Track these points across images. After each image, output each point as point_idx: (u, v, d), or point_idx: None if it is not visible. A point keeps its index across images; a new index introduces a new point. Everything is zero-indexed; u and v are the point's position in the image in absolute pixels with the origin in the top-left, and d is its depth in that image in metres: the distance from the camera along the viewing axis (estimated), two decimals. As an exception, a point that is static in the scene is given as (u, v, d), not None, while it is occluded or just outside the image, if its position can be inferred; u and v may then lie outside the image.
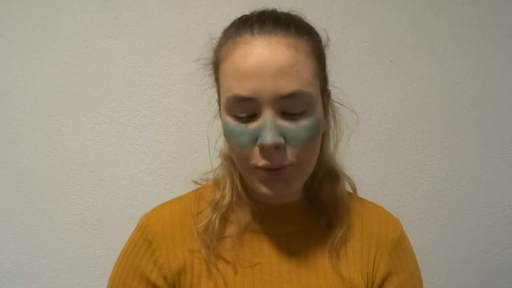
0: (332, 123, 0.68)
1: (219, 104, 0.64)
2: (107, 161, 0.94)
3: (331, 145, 0.69)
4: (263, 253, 0.63)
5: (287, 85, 0.54)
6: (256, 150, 0.56)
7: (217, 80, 0.61)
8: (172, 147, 0.96)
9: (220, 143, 0.70)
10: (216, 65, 0.61)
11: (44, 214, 0.93)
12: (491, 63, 1.06)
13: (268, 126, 0.54)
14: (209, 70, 0.64)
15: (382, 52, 1.02)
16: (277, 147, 0.54)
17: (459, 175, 1.06)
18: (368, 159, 1.02)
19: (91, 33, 0.93)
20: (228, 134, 0.58)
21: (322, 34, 0.63)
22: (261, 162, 0.56)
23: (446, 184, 1.05)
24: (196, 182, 0.72)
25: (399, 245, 0.67)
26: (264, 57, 0.54)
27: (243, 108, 0.55)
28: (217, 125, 0.67)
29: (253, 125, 0.55)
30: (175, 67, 0.96)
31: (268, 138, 0.53)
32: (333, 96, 0.68)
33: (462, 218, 1.06)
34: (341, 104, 0.70)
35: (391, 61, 1.03)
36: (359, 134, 1.00)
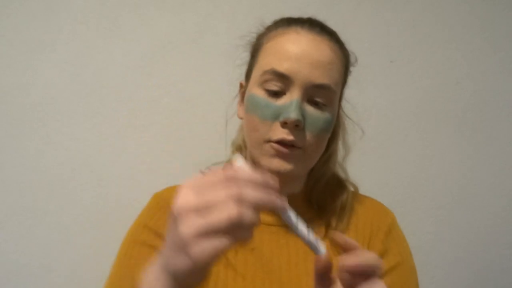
0: (341, 136, 0.73)
1: (245, 82, 0.69)
2: (107, 161, 0.94)
3: (340, 155, 0.74)
4: (264, 242, 0.65)
5: (321, 77, 0.60)
6: (276, 126, 0.60)
7: (254, 59, 0.67)
8: (172, 147, 0.96)
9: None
10: (257, 46, 0.67)
11: (44, 214, 0.92)
12: (491, 63, 1.06)
13: (295, 104, 0.59)
14: (247, 49, 0.70)
15: (382, 52, 1.02)
16: (297, 125, 0.59)
17: (459, 175, 1.06)
18: (368, 159, 1.02)
19: (91, 33, 0.93)
20: (252, 105, 0.62)
21: (352, 55, 0.69)
22: (279, 135, 0.60)
23: (446, 184, 1.05)
24: (203, 173, 0.73)
25: (390, 233, 0.70)
26: (309, 48, 0.61)
27: (276, 83, 0.61)
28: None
29: (280, 101, 0.61)
30: (175, 67, 0.96)
31: (293, 113, 0.58)
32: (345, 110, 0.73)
33: (462, 218, 1.06)
34: (349, 118, 0.75)
35: (391, 61, 1.03)
36: (359, 134, 1.00)
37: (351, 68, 0.70)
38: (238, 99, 0.72)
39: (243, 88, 0.70)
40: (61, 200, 0.93)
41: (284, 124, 0.60)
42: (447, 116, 1.05)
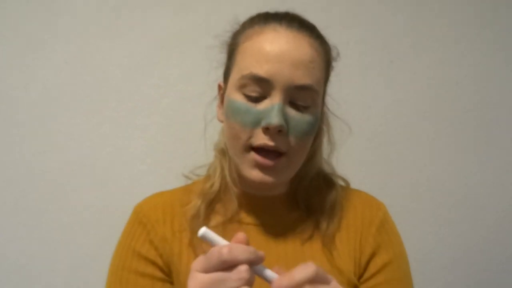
0: (326, 132, 0.71)
1: (224, 84, 0.66)
2: (107, 161, 0.94)
3: (325, 152, 0.72)
4: (250, 243, 0.64)
5: (303, 77, 0.57)
6: (257, 131, 0.58)
7: (231, 59, 0.64)
8: (172, 147, 0.96)
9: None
10: (234, 46, 0.63)
11: (44, 214, 0.92)
12: (491, 63, 1.06)
13: (276, 109, 0.56)
14: (224, 49, 0.67)
15: (382, 52, 1.02)
16: (280, 130, 0.57)
17: (459, 175, 1.06)
18: (368, 159, 1.02)
19: (91, 33, 0.93)
20: (232, 111, 0.60)
21: (334, 49, 0.66)
22: (260, 141, 0.58)
23: (446, 184, 1.05)
24: (187, 177, 0.74)
25: (382, 227, 0.68)
26: (289, 46, 0.57)
27: (255, 88, 0.58)
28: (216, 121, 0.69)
29: (260, 106, 0.58)
30: (175, 67, 0.96)
31: (276, 119, 0.56)
32: (330, 107, 0.71)
33: (462, 218, 1.06)
34: (336, 116, 0.73)
35: (391, 61, 1.03)
36: (359, 134, 1.00)
37: (334, 63, 0.67)
38: (217, 101, 0.69)
39: (222, 90, 0.67)
40: (61, 200, 0.93)
41: (266, 130, 0.57)
42: (447, 116, 1.05)
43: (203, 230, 0.45)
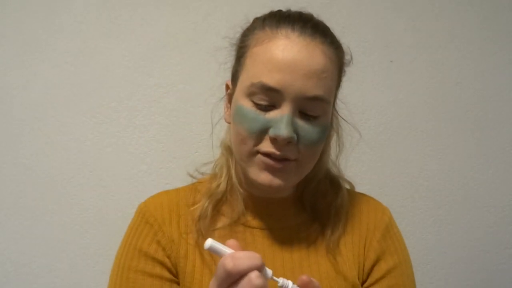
0: (335, 134, 0.70)
1: (232, 86, 0.65)
2: (107, 161, 0.94)
3: (333, 154, 0.71)
4: (256, 246, 0.64)
5: (314, 88, 0.56)
6: (265, 139, 0.57)
7: (240, 62, 0.62)
8: (172, 147, 0.96)
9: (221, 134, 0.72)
10: (244, 48, 0.62)
11: (44, 214, 0.92)
12: (491, 63, 1.06)
13: (286, 120, 0.55)
14: (233, 50, 0.65)
15: (382, 52, 1.02)
16: (289, 142, 0.56)
17: (459, 175, 1.06)
18: (368, 159, 1.02)
19: (91, 33, 0.93)
20: (239, 117, 0.59)
21: (347, 54, 0.65)
22: (267, 148, 0.57)
23: (446, 184, 1.05)
24: (191, 176, 0.73)
25: (387, 232, 0.68)
26: (301, 56, 0.56)
27: (264, 97, 0.57)
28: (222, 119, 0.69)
29: (269, 115, 0.57)
30: (175, 67, 0.96)
31: (285, 131, 0.55)
32: (339, 111, 0.71)
33: (462, 218, 1.06)
34: (345, 121, 0.72)
35: (391, 61, 1.03)
36: (357, 137, 1.00)
37: (346, 68, 0.66)
38: (224, 101, 0.68)
39: (229, 90, 0.65)
40: (61, 200, 0.93)
41: (274, 140, 0.56)
42: (447, 116, 1.05)
43: (209, 242, 0.45)
